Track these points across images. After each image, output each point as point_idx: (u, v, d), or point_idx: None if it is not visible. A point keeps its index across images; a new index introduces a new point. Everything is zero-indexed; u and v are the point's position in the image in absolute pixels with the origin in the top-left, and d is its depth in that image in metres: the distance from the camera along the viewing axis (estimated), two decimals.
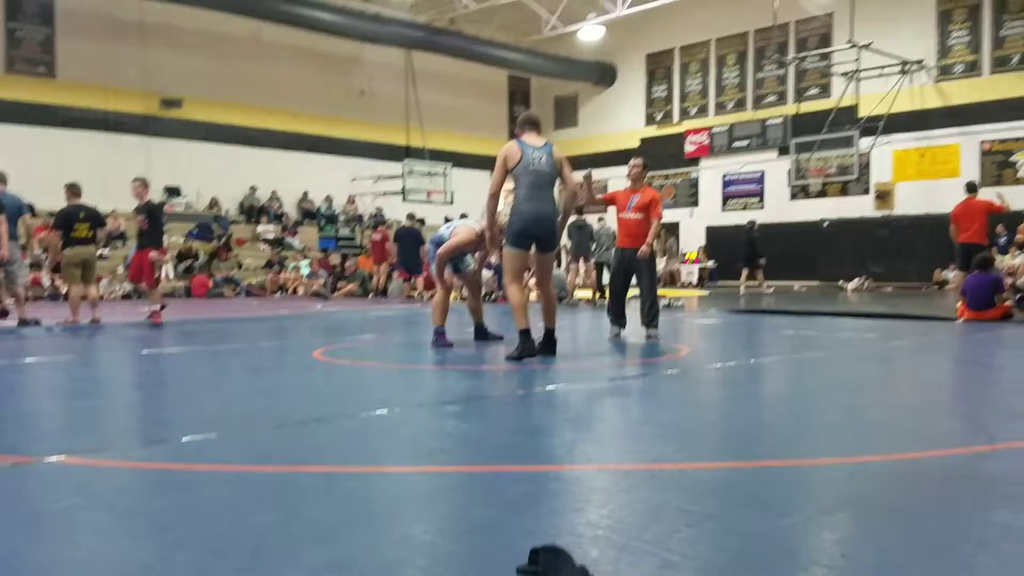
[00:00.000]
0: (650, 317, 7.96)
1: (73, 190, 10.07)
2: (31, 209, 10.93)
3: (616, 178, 26.68)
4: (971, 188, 12.08)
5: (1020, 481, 2.77)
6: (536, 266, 6.59)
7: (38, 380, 5.77)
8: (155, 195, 20.73)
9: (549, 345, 6.38)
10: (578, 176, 6.90)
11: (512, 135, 28.99)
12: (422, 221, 18.81)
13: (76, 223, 9.86)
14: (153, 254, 10.12)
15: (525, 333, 6.06)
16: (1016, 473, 2.88)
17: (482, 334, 7.58)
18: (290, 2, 20.53)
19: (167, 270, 18.76)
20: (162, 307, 10.38)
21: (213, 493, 2.67)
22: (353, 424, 3.85)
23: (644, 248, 7.83)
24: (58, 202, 10.18)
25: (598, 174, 27.35)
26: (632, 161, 8.24)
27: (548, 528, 2.27)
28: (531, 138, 6.30)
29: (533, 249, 6.28)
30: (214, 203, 21.70)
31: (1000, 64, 19.81)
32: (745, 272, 18.55)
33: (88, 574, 2.01)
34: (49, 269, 15.72)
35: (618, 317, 8.11)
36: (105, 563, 2.07)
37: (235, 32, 21.32)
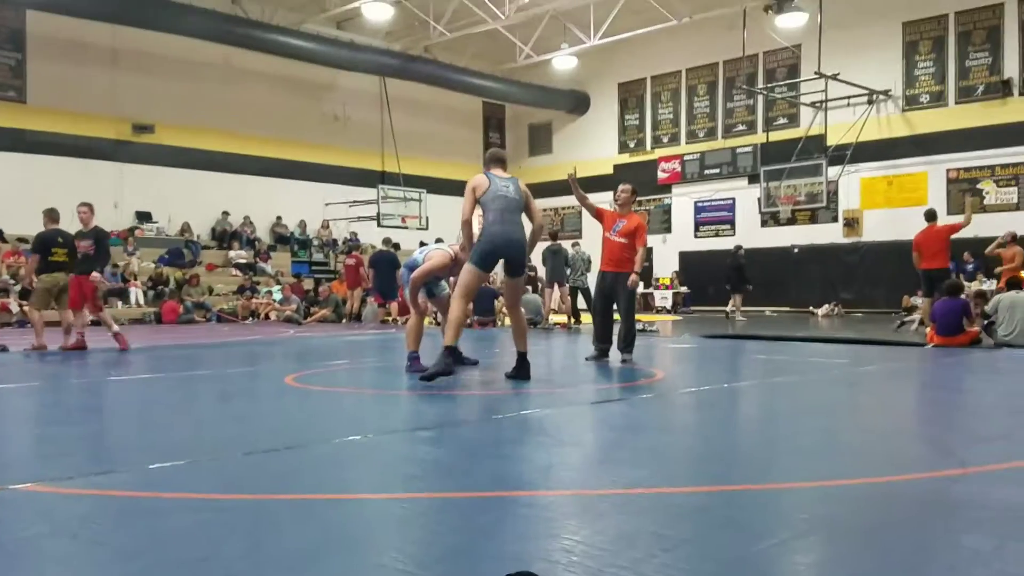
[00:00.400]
0: (626, 342, 7.97)
1: (51, 215, 10.05)
2: None
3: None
4: (930, 216, 12.32)
5: (990, 505, 2.80)
6: (506, 291, 6.62)
7: (4, 406, 5.65)
8: (126, 220, 20.61)
9: (522, 369, 6.39)
10: (541, 213, 6.94)
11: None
12: (397, 246, 18.76)
13: (54, 248, 9.81)
14: (95, 275, 9.91)
15: (449, 350, 6.01)
16: (986, 497, 2.91)
17: (457, 359, 7.54)
18: (264, 29, 20.54)
19: (137, 295, 18.55)
20: (76, 343, 9.91)
21: (181, 521, 2.62)
22: (325, 451, 3.81)
23: (633, 277, 7.85)
24: (28, 227, 10.07)
25: (573, 200, 27.55)
26: (620, 186, 8.31)
27: (522, 554, 2.25)
28: (498, 171, 6.53)
29: (501, 274, 6.33)
30: (186, 228, 21.52)
31: (965, 94, 20.26)
32: (734, 297, 18.47)
33: None
34: (17, 295, 15.47)
35: (602, 340, 8.10)
36: None
37: (208, 58, 21.27)
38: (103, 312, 10.25)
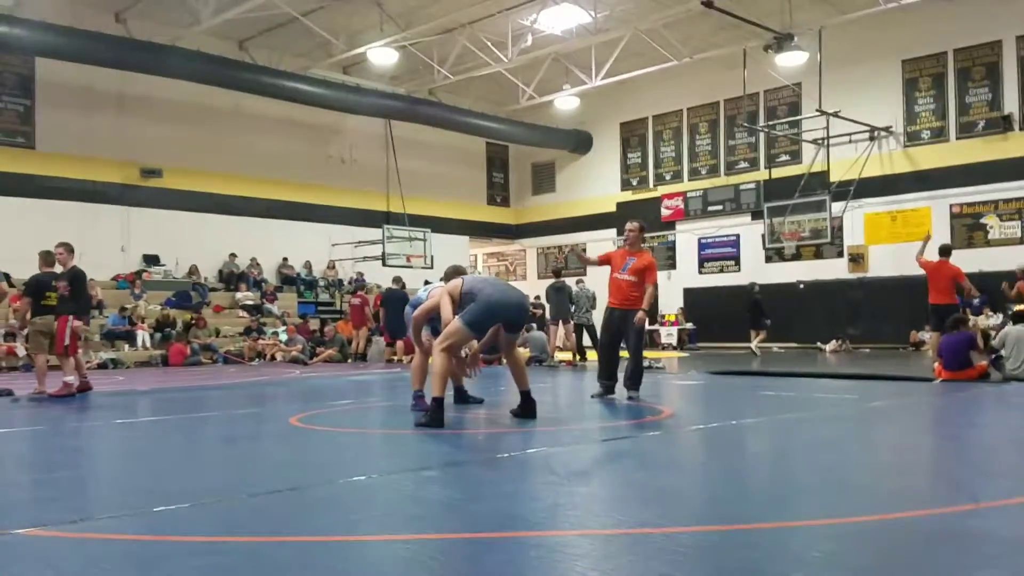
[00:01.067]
0: (632, 380, 7.91)
1: (46, 258, 9.92)
2: (7, 278, 10.77)
3: (593, 242, 26.96)
4: (944, 251, 12.26)
5: (1003, 540, 2.76)
6: (503, 343, 6.64)
7: (7, 450, 5.64)
8: (133, 263, 20.72)
9: (527, 407, 6.36)
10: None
11: (490, 200, 29.04)
12: (403, 285, 18.81)
13: (47, 291, 9.71)
14: (76, 323, 9.74)
15: (438, 402, 5.90)
16: (999, 532, 2.87)
17: (462, 397, 7.52)
18: (271, 74, 20.83)
19: (144, 338, 18.55)
20: (81, 385, 9.60)
21: (184, 565, 2.60)
22: (329, 492, 3.78)
23: (640, 315, 7.78)
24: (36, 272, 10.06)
25: (576, 238, 27.66)
26: (628, 225, 8.25)
27: None
28: None
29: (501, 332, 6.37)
30: (193, 271, 21.61)
31: (965, 130, 20.37)
32: (753, 333, 18.94)
33: None
34: (24, 339, 15.50)
35: (608, 377, 8.00)
36: None
37: (215, 102, 21.55)
38: (69, 359, 9.57)
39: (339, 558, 2.68)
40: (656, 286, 7.95)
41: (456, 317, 6.18)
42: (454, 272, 6.90)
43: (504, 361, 6.82)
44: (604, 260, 8.29)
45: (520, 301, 6.48)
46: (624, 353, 8.20)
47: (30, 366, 11.97)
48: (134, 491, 4.03)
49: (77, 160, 19.60)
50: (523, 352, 15.92)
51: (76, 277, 9.76)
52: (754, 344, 18.79)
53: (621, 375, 8.10)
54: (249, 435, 6.41)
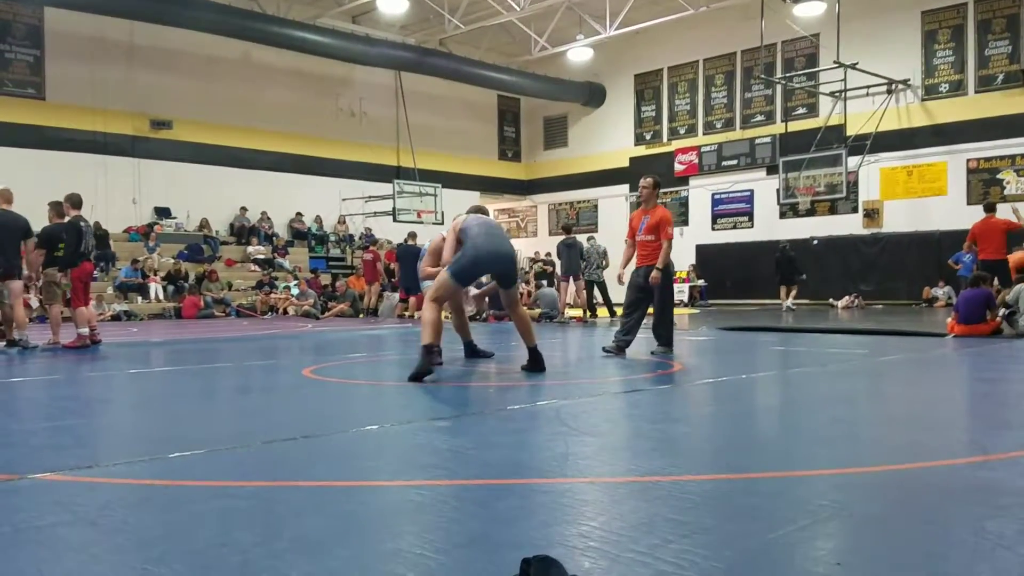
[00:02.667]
0: (659, 334, 7.94)
1: (57, 209, 9.92)
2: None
3: (604, 198, 26.83)
4: (989, 208, 12.27)
5: (1013, 491, 2.76)
6: (503, 299, 6.62)
7: (24, 399, 5.71)
8: (145, 216, 20.76)
9: (535, 362, 6.34)
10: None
11: (501, 155, 28.91)
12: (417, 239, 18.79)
13: (60, 242, 9.73)
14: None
15: (427, 349, 5.81)
16: (1009, 483, 2.87)
17: (472, 351, 7.55)
18: (280, 24, 20.61)
19: (157, 291, 18.67)
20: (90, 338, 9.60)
21: (199, 508, 2.63)
22: (342, 440, 3.82)
23: (654, 274, 7.70)
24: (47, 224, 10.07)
25: (588, 194, 27.50)
26: (641, 181, 8.08)
27: (539, 540, 2.24)
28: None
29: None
30: (204, 224, 21.65)
31: (984, 83, 20.03)
32: (783, 289, 18.95)
33: None
34: (36, 290, 15.61)
35: (625, 333, 7.88)
36: None
37: (225, 54, 21.37)
38: (75, 309, 9.72)
39: (354, 502, 2.71)
40: (670, 241, 7.77)
41: (444, 268, 6.15)
42: (475, 212, 6.82)
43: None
44: (630, 234, 8.18)
45: (507, 253, 6.33)
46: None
47: (44, 317, 12.06)
48: (148, 438, 4.08)
49: (87, 111, 19.54)
50: (532, 311, 15.95)
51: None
52: (790, 301, 18.88)
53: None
54: (263, 386, 6.47)
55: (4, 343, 9.39)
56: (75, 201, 9.89)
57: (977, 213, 20.20)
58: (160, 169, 20.67)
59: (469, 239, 6.16)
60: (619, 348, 7.81)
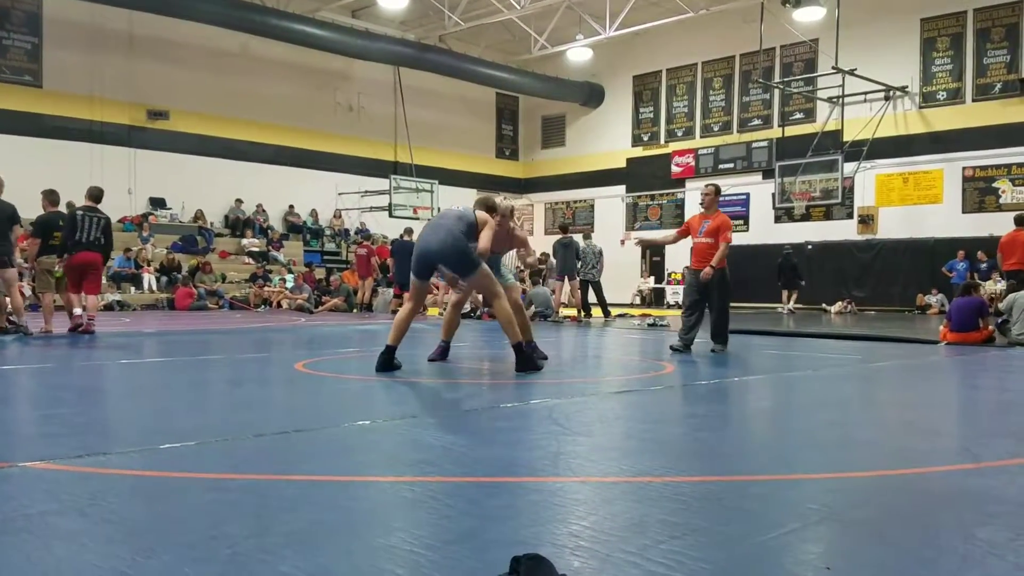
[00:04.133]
0: (716, 333, 8.32)
1: (51, 198, 9.90)
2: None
3: (601, 198, 26.82)
4: (1019, 221, 12.34)
5: (1004, 499, 2.77)
6: (468, 287, 6.62)
7: (15, 387, 5.68)
8: (140, 206, 20.69)
9: (520, 361, 6.19)
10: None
11: (499, 153, 28.83)
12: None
13: (55, 231, 9.71)
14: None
15: (390, 349, 6.15)
16: (1000, 491, 2.88)
17: (443, 354, 7.19)
18: (279, 17, 20.56)
19: (150, 281, 18.61)
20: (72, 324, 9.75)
21: (190, 500, 2.63)
22: (334, 434, 3.81)
23: (707, 270, 8.12)
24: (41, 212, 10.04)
25: (584, 194, 27.51)
26: (704, 188, 8.56)
27: (530, 538, 2.24)
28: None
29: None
30: (199, 215, 21.59)
31: (982, 92, 20.08)
32: (785, 293, 19.89)
33: None
34: (30, 278, 15.55)
35: (687, 331, 8.31)
36: (77, 569, 2.02)
37: (224, 45, 21.31)
38: (67, 293, 9.95)
39: (345, 496, 2.71)
40: (728, 244, 8.19)
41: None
42: (480, 203, 6.65)
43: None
44: (683, 232, 8.66)
45: (431, 247, 6.16)
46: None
47: (37, 306, 12.03)
48: (140, 429, 4.07)
49: (84, 100, 19.47)
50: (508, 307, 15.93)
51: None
52: (791, 304, 19.66)
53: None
54: (255, 379, 6.46)
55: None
56: (92, 194, 9.93)
57: (972, 221, 20.30)
58: (156, 159, 20.60)
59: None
60: (686, 346, 8.26)
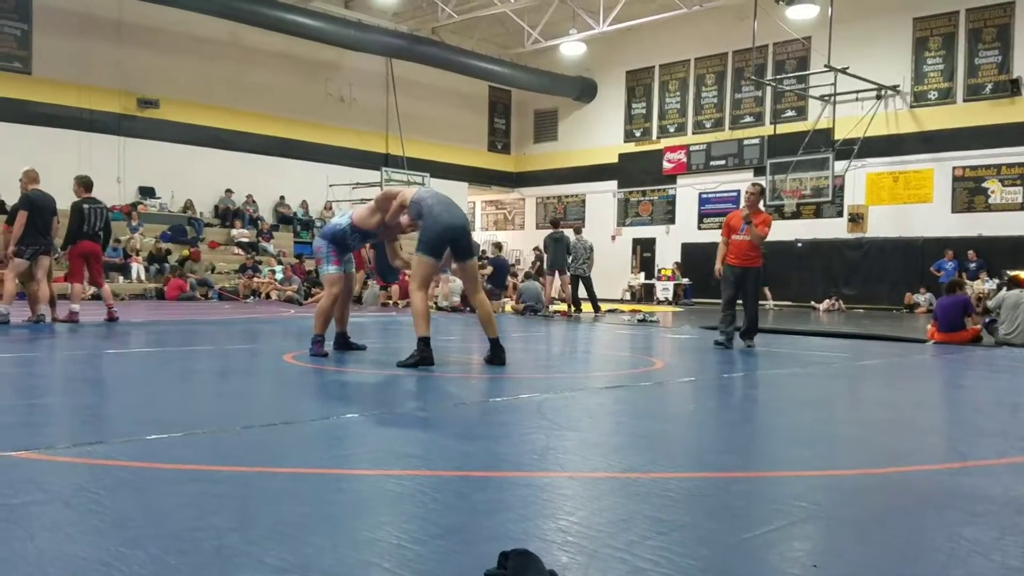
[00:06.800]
0: (748, 329, 8.59)
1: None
2: (1, 205, 10.73)
3: (592, 193, 26.82)
4: None
5: (990, 498, 2.78)
6: (461, 278, 6.56)
7: (0, 376, 5.64)
8: (129, 195, 20.56)
9: (496, 354, 6.23)
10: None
11: (491, 146, 28.82)
12: None
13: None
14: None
15: (424, 341, 5.97)
16: (986, 490, 2.89)
17: (344, 343, 7.24)
18: (271, 6, 20.44)
19: (139, 271, 18.52)
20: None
21: (175, 491, 2.61)
22: (322, 427, 3.80)
23: (719, 266, 8.56)
24: None
25: (576, 189, 27.51)
26: (748, 188, 8.73)
27: (517, 533, 2.23)
28: None
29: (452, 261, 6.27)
30: (188, 205, 21.48)
31: (973, 92, 20.17)
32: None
33: (42, 571, 1.95)
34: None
35: (727, 325, 8.58)
36: (61, 559, 2.01)
37: (214, 34, 21.18)
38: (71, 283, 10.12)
39: (331, 489, 2.70)
40: (763, 236, 8.43)
41: (416, 251, 6.16)
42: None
43: (475, 309, 6.62)
44: (726, 231, 8.78)
45: (466, 224, 6.37)
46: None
47: (23, 294, 11.98)
48: (126, 419, 4.04)
49: (73, 87, 19.33)
50: (516, 305, 15.93)
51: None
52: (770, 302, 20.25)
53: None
54: (243, 370, 6.43)
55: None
56: (87, 183, 9.98)
57: (962, 221, 20.41)
58: (145, 148, 20.49)
59: (431, 213, 6.10)
60: (728, 339, 8.59)
